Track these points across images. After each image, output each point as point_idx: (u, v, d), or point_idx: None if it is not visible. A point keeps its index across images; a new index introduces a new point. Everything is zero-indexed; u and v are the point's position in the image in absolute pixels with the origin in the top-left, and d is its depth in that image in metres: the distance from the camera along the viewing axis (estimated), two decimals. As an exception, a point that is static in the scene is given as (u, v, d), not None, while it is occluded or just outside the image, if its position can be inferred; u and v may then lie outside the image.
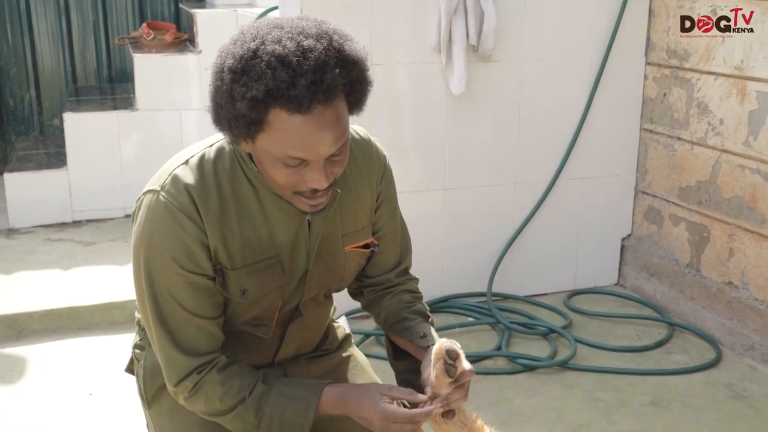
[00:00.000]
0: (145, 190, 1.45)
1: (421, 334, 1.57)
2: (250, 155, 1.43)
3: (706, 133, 3.22)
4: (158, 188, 1.41)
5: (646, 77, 3.53)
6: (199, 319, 1.43)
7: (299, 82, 1.23)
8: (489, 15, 3.15)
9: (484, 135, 3.37)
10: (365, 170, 1.57)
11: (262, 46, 1.26)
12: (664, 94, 3.44)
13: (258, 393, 1.43)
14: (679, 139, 3.38)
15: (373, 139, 1.62)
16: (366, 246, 1.61)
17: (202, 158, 1.44)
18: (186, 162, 1.43)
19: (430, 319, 1.65)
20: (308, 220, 1.49)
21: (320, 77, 1.24)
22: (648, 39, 3.49)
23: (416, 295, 1.69)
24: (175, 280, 1.40)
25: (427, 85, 3.24)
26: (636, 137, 3.61)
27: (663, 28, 3.40)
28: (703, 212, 3.28)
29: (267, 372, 1.49)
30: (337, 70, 1.27)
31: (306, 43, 1.26)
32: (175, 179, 1.40)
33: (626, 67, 3.50)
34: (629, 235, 3.72)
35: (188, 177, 1.41)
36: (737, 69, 3.04)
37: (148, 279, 1.41)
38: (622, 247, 3.73)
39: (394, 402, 1.40)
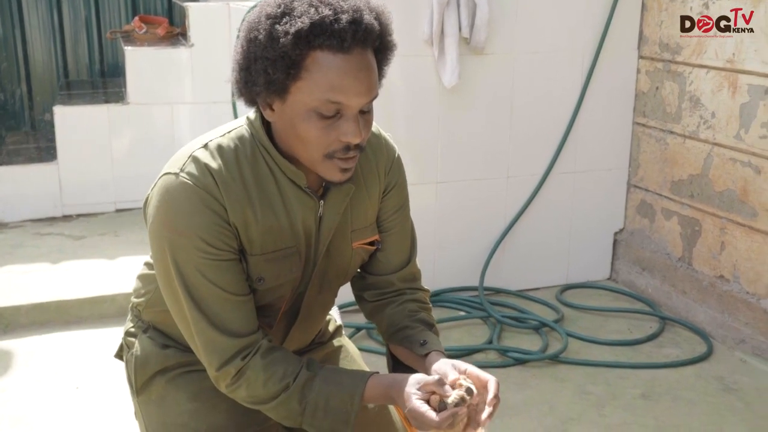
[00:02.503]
0: (160, 174, 1.41)
1: (421, 342, 1.51)
2: (271, 141, 1.41)
3: (698, 127, 3.21)
4: (177, 170, 1.37)
5: (638, 71, 3.52)
6: (235, 296, 1.40)
7: (342, 17, 1.27)
8: (481, 7, 3.14)
9: (476, 128, 3.36)
10: (374, 163, 1.55)
11: None
12: (657, 88, 3.43)
13: (302, 379, 1.40)
14: (672, 132, 3.37)
15: (385, 133, 1.60)
16: (372, 243, 1.59)
17: (221, 143, 1.41)
18: (205, 146, 1.40)
19: (434, 328, 1.59)
20: (319, 215, 1.47)
21: (359, 17, 1.29)
22: (641, 33, 3.48)
23: (423, 305, 1.64)
24: (204, 260, 1.36)
25: (419, 78, 3.22)
26: (628, 131, 3.60)
27: (655, 21, 3.39)
28: (695, 206, 3.27)
29: (311, 359, 1.46)
30: (373, 15, 1.33)
31: None
32: (196, 160, 1.37)
33: (619, 60, 3.49)
34: (622, 230, 3.71)
35: (209, 159, 1.38)
36: (729, 62, 3.03)
37: (176, 263, 1.37)
38: (615, 242, 3.72)
39: (431, 396, 1.34)
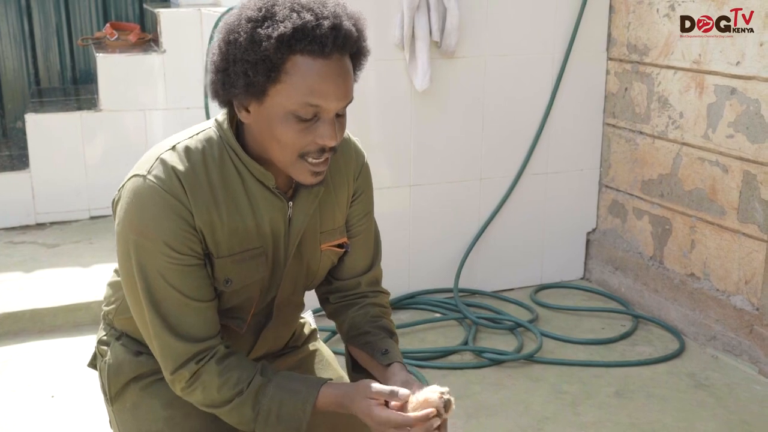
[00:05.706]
0: (129, 175, 1.42)
1: (383, 351, 1.54)
2: (238, 141, 1.43)
3: (667, 127, 3.26)
4: (145, 173, 1.39)
5: (607, 72, 3.56)
6: (195, 302, 1.41)
7: (324, 23, 1.30)
8: (451, 11, 3.17)
9: (448, 131, 3.38)
10: (343, 167, 1.57)
11: None
12: (626, 89, 3.47)
13: (256, 385, 1.42)
14: (641, 133, 3.41)
15: (353, 138, 1.62)
16: (340, 246, 1.61)
17: (189, 145, 1.43)
18: (173, 148, 1.42)
19: (394, 336, 1.63)
20: (289, 216, 1.49)
21: (339, 23, 1.32)
22: (609, 35, 3.53)
23: (384, 309, 1.67)
24: (168, 264, 1.38)
25: (391, 82, 3.24)
26: (599, 132, 3.64)
27: (623, 23, 3.44)
28: (665, 205, 3.31)
29: (265, 364, 1.48)
30: (352, 21, 1.36)
31: None
32: (163, 163, 1.39)
33: (588, 62, 3.53)
34: (594, 230, 3.75)
35: (176, 162, 1.39)
36: (695, 63, 3.07)
37: (139, 265, 1.39)
38: (588, 242, 3.76)
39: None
